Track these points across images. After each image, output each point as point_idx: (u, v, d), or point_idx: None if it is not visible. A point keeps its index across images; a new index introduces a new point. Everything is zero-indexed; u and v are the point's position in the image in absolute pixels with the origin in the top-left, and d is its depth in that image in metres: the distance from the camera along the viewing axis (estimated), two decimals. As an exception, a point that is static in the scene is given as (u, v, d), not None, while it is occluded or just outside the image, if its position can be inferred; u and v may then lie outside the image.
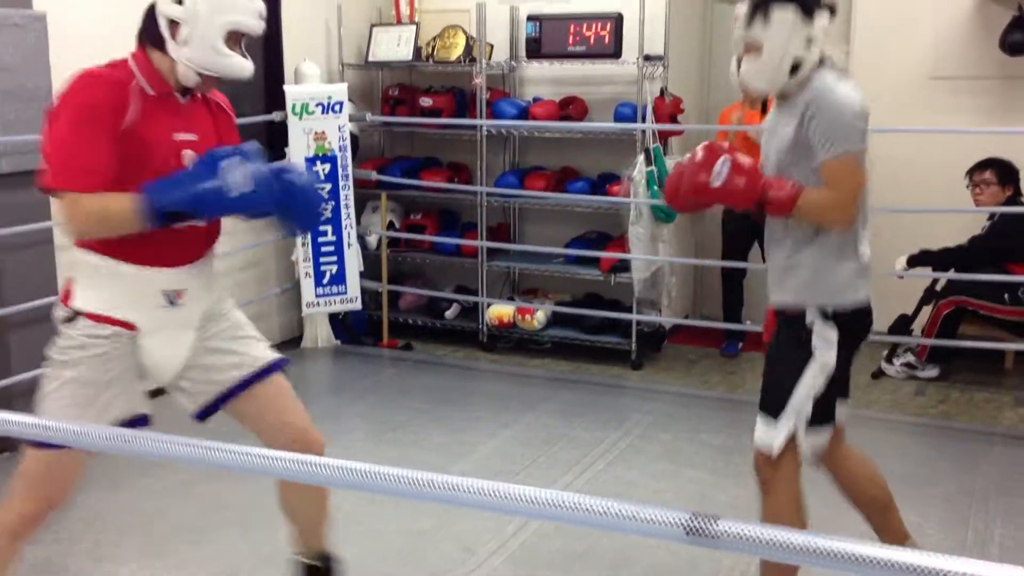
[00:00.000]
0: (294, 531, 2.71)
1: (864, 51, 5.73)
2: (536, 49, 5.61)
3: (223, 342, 2.48)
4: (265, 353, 2.54)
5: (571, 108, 5.69)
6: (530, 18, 5.62)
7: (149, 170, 2.26)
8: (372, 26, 6.06)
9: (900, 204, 5.45)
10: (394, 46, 5.96)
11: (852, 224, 2.56)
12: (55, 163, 2.23)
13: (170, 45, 2.31)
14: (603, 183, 5.63)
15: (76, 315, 2.33)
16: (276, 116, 5.39)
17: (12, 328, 4.15)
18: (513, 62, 5.87)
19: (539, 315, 5.68)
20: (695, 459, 4.17)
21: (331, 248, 5.49)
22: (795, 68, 2.52)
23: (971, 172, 5.16)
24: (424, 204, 6.14)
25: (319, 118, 5.35)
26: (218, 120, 2.52)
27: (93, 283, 2.34)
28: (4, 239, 4.07)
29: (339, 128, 5.40)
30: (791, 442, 2.59)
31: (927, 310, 5.24)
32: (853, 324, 2.63)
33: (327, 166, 5.39)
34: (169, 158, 2.33)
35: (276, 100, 5.38)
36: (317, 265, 5.47)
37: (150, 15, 2.35)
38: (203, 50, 2.30)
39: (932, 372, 5.22)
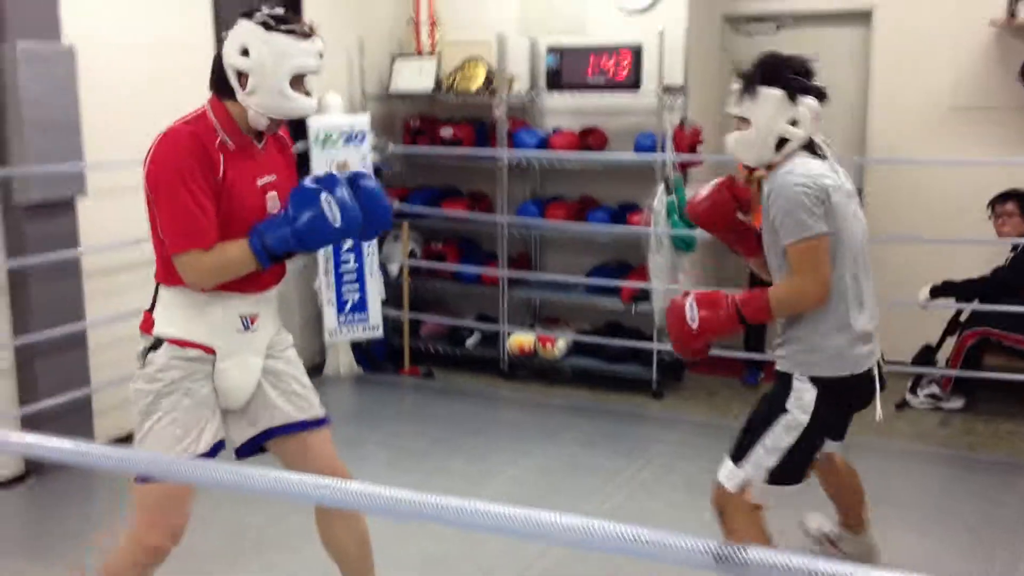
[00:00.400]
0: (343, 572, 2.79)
1: (884, 82, 5.75)
2: (556, 80, 5.66)
3: (286, 383, 2.63)
4: (319, 405, 2.69)
5: (591, 138, 5.72)
6: (550, 50, 5.68)
7: (241, 218, 2.41)
8: (393, 57, 6.14)
9: (921, 233, 5.44)
10: (415, 77, 6.02)
11: (823, 295, 2.69)
12: (172, 230, 2.37)
13: (239, 94, 2.42)
14: (623, 212, 5.65)
15: (159, 342, 2.46)
16: (299, 146, 5.45)
17: (39, 355, 4.20)
18: (533, 93, 5.92)
19: (560, 344, 5.69)
20: (717, 489, 4.15)
21: (353, 276, 5.53)
22: (780, 144, 2.73)
23: (993, 203, 5.14)
24: (445, 233, 6.17)
25: (342, 148, 5.41)
26: (286, 155, 2.68)
27: (175, 311, 2.47)
28: (33, 267, 4.13)
29: (361, 158, 5.46)
30: (748, 488, 2.78)
31: (951, 341, 5.21)
32: (844, 392, 2.76)
33: (349, 196, 5.43)
34: (256, 204, 2.47)
35: (299, 130, 5.44)
36: (339, 293, 5.51)
37: (218, 66, 2.45)
38: (271, 96, 2.41)
39: (957, 403, 5.17)
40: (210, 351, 2.48)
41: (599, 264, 5.88)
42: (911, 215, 5.54)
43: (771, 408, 2.76)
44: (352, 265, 5.51)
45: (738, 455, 2.79)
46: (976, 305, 5.07)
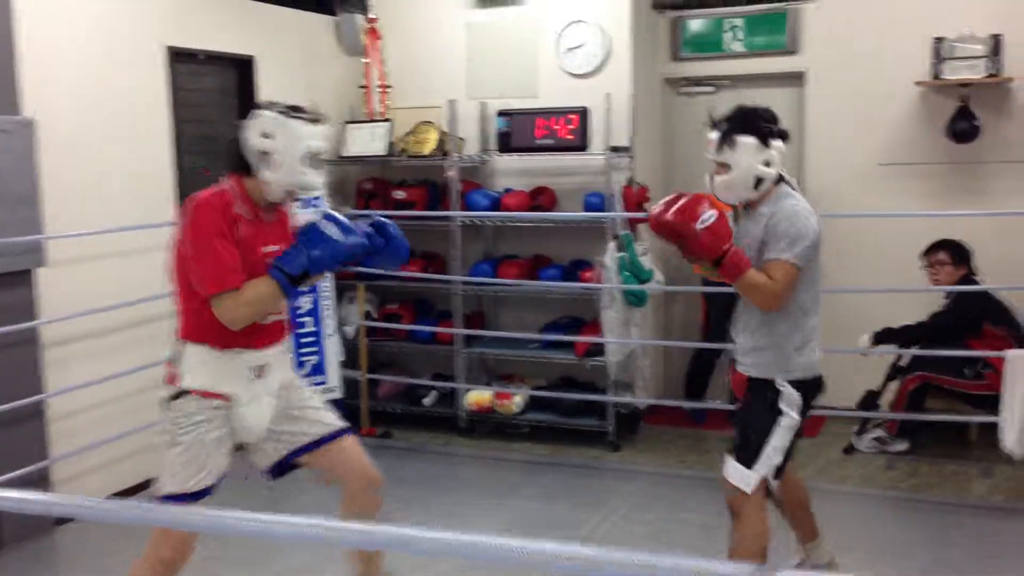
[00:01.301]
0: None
1: (817, 139, 6.01)
2: (506, 142, 5.82)
3: (299, 411, 3.05)
4: (334, 420, 3.10)
5: (541, 198, 5.87)
6: (500, 113, 5.85)
7: (248, 277, 2.81)
8: (345, 123, 6.25)
9: (857, 285, 5.66)
10: (368, 141, 6.14)
11: (777, 307, 3.06)
12: (209, 274, 2.76)
13: (263, 171, 2.85)
14: (575, 269, 5.79)
15: (182, 392, 2.86)
16: (255, 211, 5.51)
17: (-3, 428, 4.16)
18: (484, 155, 6.07)
19: (516, 399, 5.77)
20: (679, 538, 4.24)
21: (311, 339, 5.56)
22: (758, 183, 3.10)
23: (926, 253, 5.36)
24: (400, 293, 6.25)
25: (299, 213, 5.46)
26: (290, 229, 3.05)
27: (195, 366, 2.87)
28: (-9, 339, 4.11)
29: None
30: (762, 483, 3.12)
31: (893, 386, 5.40)
32: (809, 390, 3.19)
33: (306, 259, 5.48)
34: (260, 269, 2.85)
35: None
36: (298, 356, 5.53)
37: (238, 147, 2.84)
38: (289, 172, 2.85)
39: (902, 446, 5.35)
40: (227, 399, 2.87)
41: (552, 320, 6.00)
42: (847, 267, 5.76)
43: (767, 412, 3.10)
44: (310, 328, 5.55)
45: (748, 459, 3.10)
46: (916, 351, 5.27)
